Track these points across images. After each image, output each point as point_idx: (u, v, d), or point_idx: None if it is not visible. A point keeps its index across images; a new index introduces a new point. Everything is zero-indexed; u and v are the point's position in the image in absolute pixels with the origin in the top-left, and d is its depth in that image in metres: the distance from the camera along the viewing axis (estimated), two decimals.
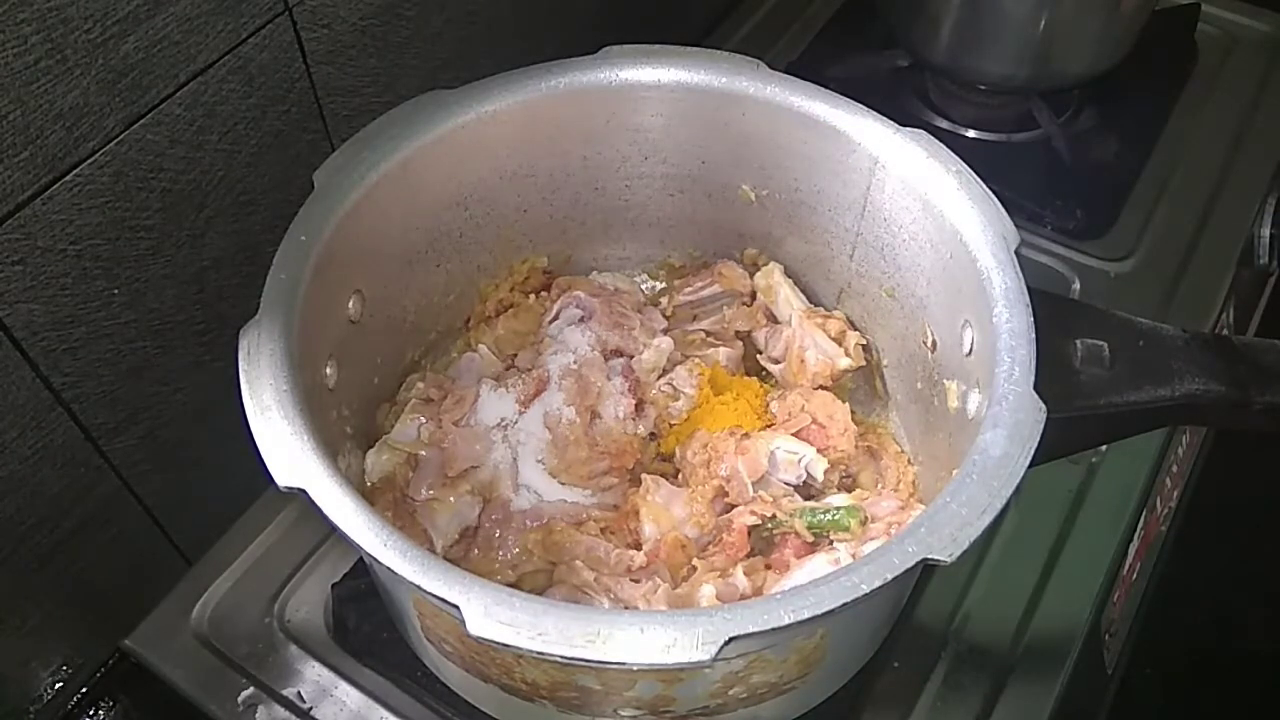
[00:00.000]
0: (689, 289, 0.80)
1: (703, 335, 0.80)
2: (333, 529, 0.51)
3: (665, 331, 0.78)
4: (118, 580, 0.74)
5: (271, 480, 0.52)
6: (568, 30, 0.95)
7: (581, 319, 0.77)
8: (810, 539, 0.66)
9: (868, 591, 0.49)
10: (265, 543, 0.79)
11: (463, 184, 0.72)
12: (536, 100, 0.70)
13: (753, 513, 0.66)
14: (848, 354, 0.74)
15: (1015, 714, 0.72)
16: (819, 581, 0.49)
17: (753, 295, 0.80)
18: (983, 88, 1.03)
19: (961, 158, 0.66)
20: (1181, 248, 0.98)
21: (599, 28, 0.98)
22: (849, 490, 0.72)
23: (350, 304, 0.66)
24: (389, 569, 0.49)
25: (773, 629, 0.47)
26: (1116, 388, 0.62)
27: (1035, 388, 0.55)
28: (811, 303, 0.78)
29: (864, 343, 0.76)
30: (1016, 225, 0.63)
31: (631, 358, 0.76)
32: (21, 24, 0.52)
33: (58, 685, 0.75)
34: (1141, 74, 1.04)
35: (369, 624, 0.74)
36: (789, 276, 0.78)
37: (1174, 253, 0.97)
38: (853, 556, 0.61)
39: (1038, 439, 0.54)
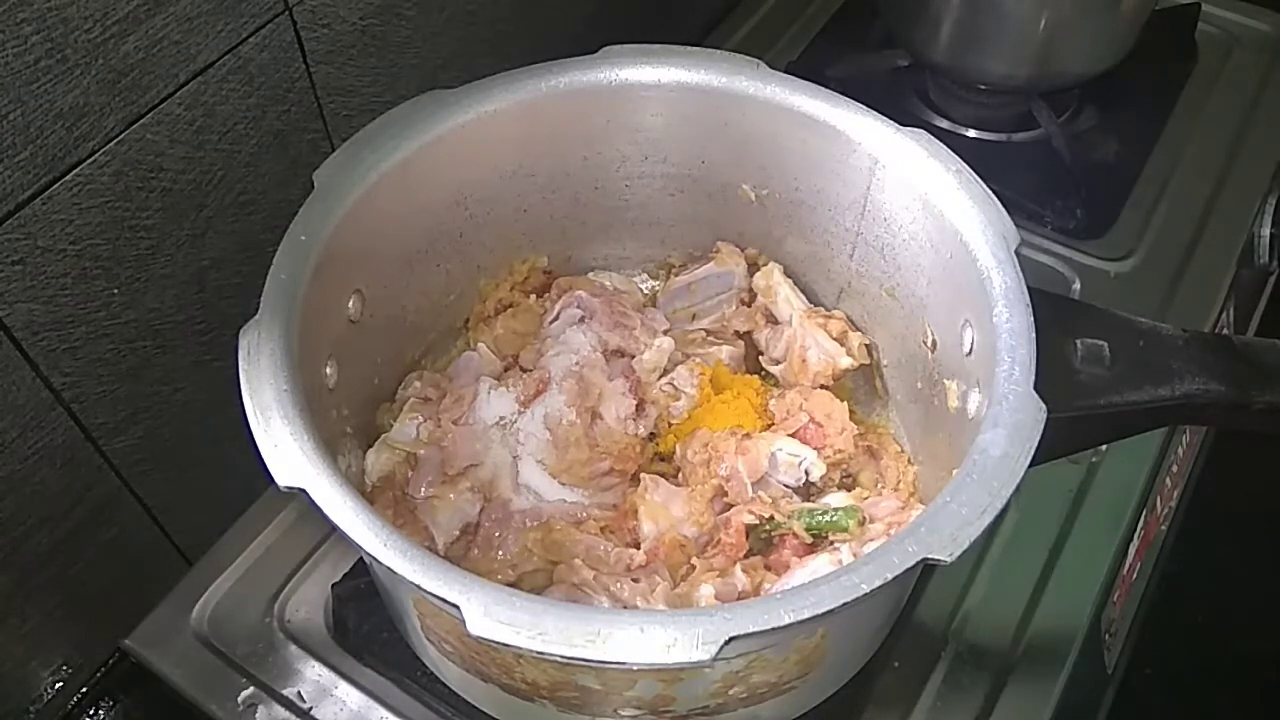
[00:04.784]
0: (685, 272, 0.80)
1: (703, 334, 0.80)
2: (333, 529, 0.51)
3: (665, 332, 0.78)
4: (118, 580, 0.74)
5: (271, 480, 0.52)
6: (568, 30, 0.95)
7: (582, 319, 0.77)
8: (809, 540, 0.66)
9: (868, 591, 0.49)
10: (265, 543, 0.79)
11: (463, 184, 0.72)
12: (536, 100, 0.70)
13: (750, 512, 0.66)
14: (850, 353, 0.74)
15: (1015, 714, 0.72)
16: (819, 581, 0.49)
17: (752, 293, 0.80)
18: (983, 88, 1.03)
19: (961, 158, 0.66)
20: (1181, 248, 0.98)
21: (599, 28, 0.98)
22: (849, 490, 0.72)
23: (350, 304, 0.66)
24: (389, 569, 0.49)
25: (773, 629, 0.47)
26: (1116, 388, 0.62)
27: (1035, 388, 0.55)
28: (811, 302, 0.78)
29: (867, 343, 0.76)
30: (1016, 225, 0.63)
31: (632, 358, 0.76)
32: (21, 24, 0.52)
33: (58, 685, 0.75)
34: (1141, 74, 1.04)
35: (369, 624, 0.74)
36: (789, 276, 0.78)
37: (1174, 253, 0.97)
38: (854, 556, 0.61)
39: (1038, 439, 0.54)
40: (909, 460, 0.74)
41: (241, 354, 0.56)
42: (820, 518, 0.66)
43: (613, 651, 0.47)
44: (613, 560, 0.65)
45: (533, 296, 0.80)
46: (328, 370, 0.63)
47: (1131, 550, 0.83)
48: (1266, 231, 1.02)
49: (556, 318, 0.78)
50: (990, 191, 0.64)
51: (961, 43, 0.98)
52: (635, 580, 0.63)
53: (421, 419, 0.70)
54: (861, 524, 0.65)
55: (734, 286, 0.80)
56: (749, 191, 0.76)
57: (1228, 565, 1.36)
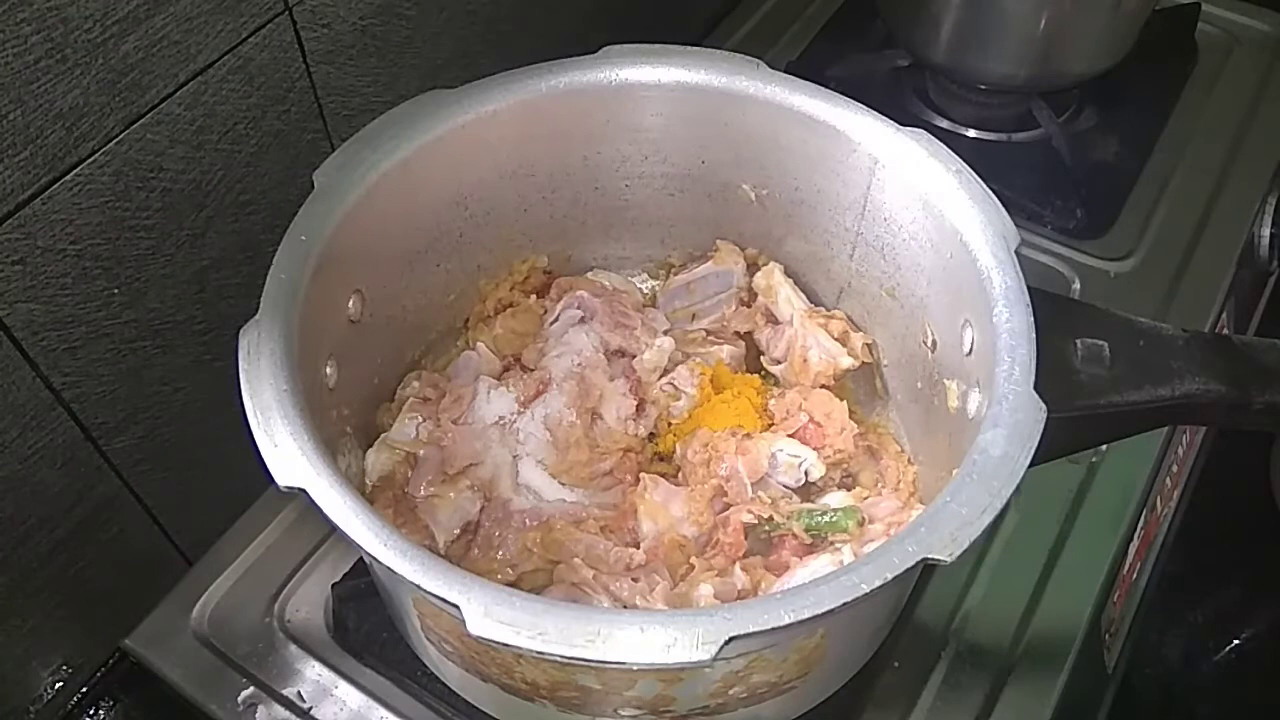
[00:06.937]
0: (684, 272, 0.80)
1: (703, 334, 0.80)
2: (333, 529, 0.51)
3: (666, 332, 0.78)
4: (118, 580, 0.74)
5: (271, 480, 0.52)
6: (568, 30, 0.95)
7: (582, 319, 0.77)
8: (808, 540, 0.66)
9: (868, 591, 0.49)
10: (265, 543, 0.79)
11: (463, 184, 0.72)
12: (536, 100, 0.70)
13: (750, 512, 0.66)
14: (852, 353, 0.74)
15: (1015, 714, 0.72)
16: (819, 581, 0.49)
17: (752, 293, 0.80)
18: (983, 87, 1.03)
19: (961, 157, 0.66)
20: (1181, 248, 0.98)
21: (599, 28, 0.98)
22: (849, 489, 0.72)
23: (350, 304, 0.66)
24: (389, 569, 0.49)
25: (773, 629, 0.47)
26: (1116, 388, 0.62)
27: (1035, 388, 0.55)
28: (811, 302, 0.78)
29: (869, 342, 0.76)
30: (1016, 225, 0.63)
31: (633, 358, 0.76)
32: (21, 24, 0.52)
33: (58, 685, 0.75)
34: (1141, 74, 1.04)
35: (369, 624, 0.74)
36: (789, 276, 0.78)
37: (1174, 253, 0.97)
38: (855, 556, 0.61)
39: (1038, 439, 0.54)
40: (909, 460, 0.74)
41: (241, 354, 0.56)
42: (819, 518, 0.66)
43: (613, 651, 0.47)
44: (612, 560, 0.65)
45: (533, 296, 0.80)
46: (328, 370, 0.63)
47: (1131, 550, 0.83)
48: (1266, 231, 1.02)
49: (557, 318, 0.78)
50: (990, 191, 0.64)
51: (961, 43, 0.98)
52: (635, 580, 0.63)
53: (421, 419, 0.70)
54: (861, 524, 0.65)
55: (733, 286, 0.80)
56: (749, 191, 0.76)
57: (1228, 565, 1.36)
